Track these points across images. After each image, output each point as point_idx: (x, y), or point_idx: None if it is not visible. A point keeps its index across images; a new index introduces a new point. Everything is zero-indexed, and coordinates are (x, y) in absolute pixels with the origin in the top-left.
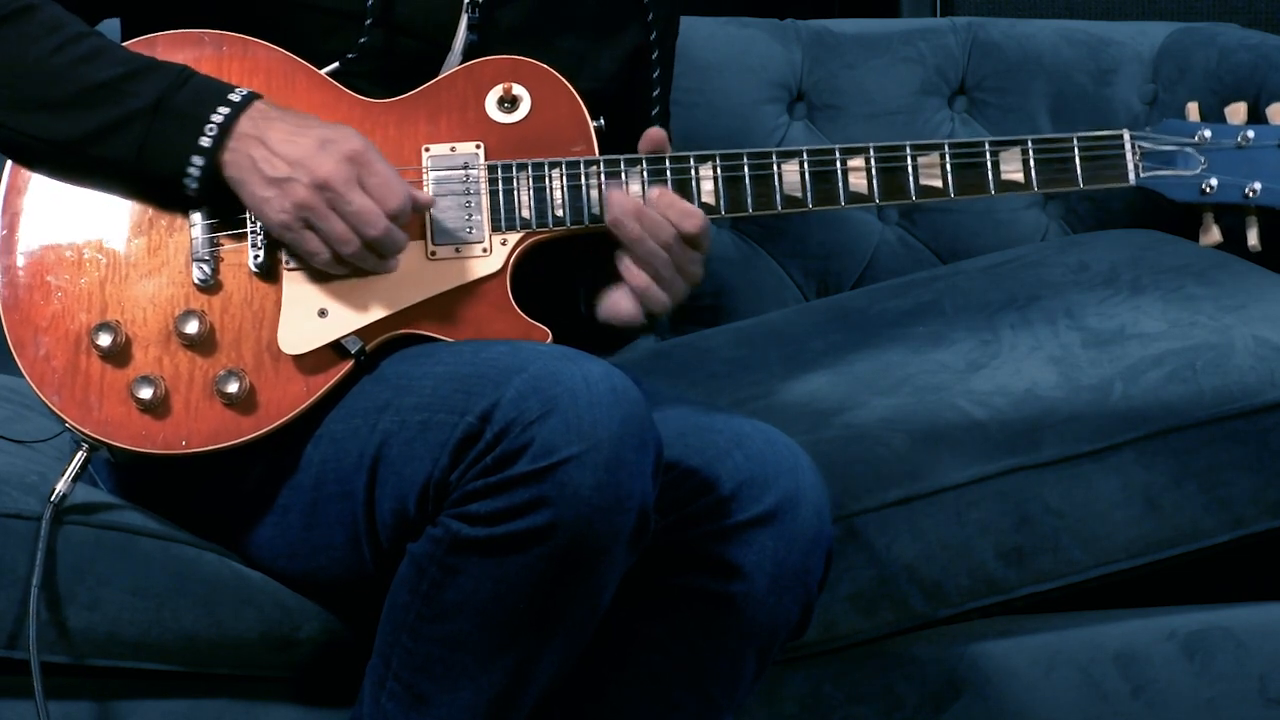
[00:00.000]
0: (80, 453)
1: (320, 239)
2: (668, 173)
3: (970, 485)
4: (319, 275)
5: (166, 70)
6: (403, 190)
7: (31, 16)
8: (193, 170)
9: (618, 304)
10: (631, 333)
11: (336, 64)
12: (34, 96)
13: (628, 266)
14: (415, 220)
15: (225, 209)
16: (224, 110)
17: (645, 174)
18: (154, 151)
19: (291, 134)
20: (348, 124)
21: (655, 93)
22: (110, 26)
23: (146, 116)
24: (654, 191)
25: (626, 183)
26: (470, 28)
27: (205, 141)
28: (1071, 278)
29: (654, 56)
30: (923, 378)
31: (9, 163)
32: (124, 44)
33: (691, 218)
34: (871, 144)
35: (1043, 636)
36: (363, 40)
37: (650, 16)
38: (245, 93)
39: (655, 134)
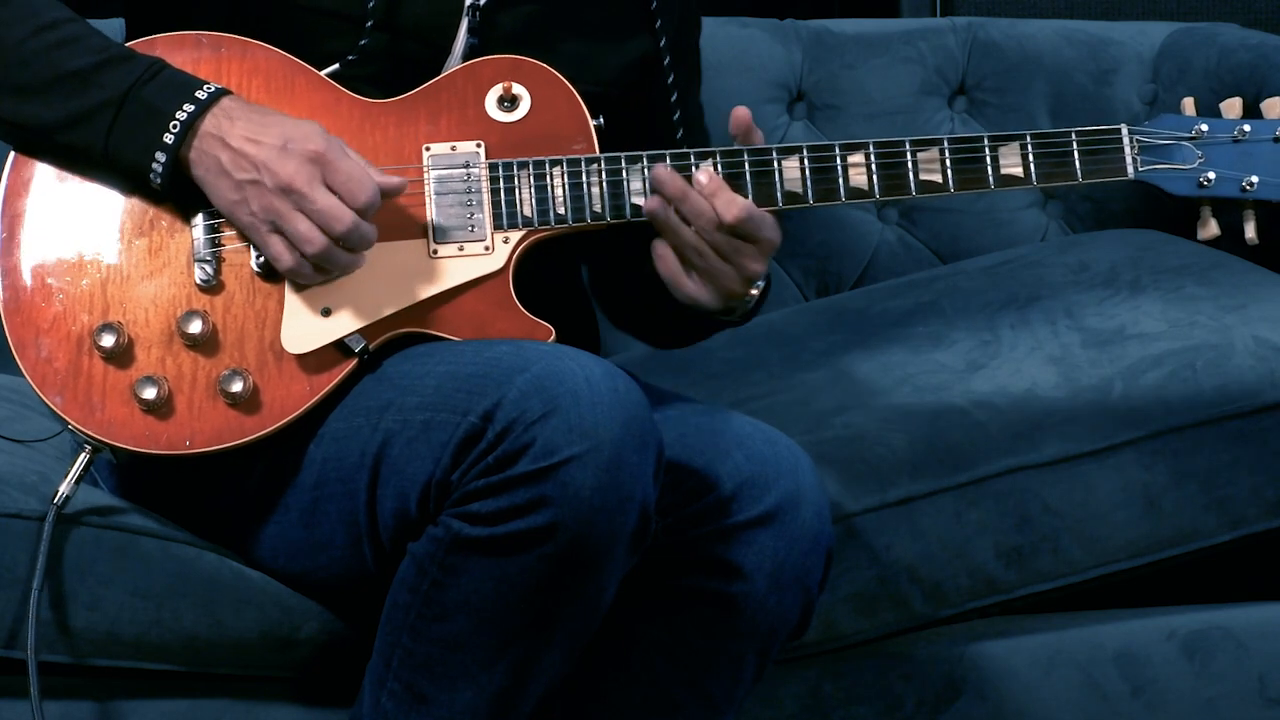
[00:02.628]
0: (83, 455)
1: (285, 242)
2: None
3: (970, 485)
4: None
5: (138, 62)
6: (369, 184)
7: (10, 1)
8: (157, 166)
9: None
10: (705, 324)
11: (336, 65)
12: (7, 81)
13: (660, 254)
14: (417, 219)
15: (194, 203)
16: (189, 107)
17: (646, 171)
18: (119, 143)
19: (254, 134)
20: (348, 124)
21: (673, 98)
22: (113, 30)
23: (113, 108)
24: (702, 176)
25: (629, 179)
26: (470, 31)
27: (169, 138)
28: (1071, 278)
29: (665, 63)
30: (923, 378)
31: (9, 165)
32: (126, 44)
33: (733, 206)
34: (871, 140)
35: (1043, 636)
36: (363, 43)
37: (659, 23)
38: (213, 89)
39: (742, 114)
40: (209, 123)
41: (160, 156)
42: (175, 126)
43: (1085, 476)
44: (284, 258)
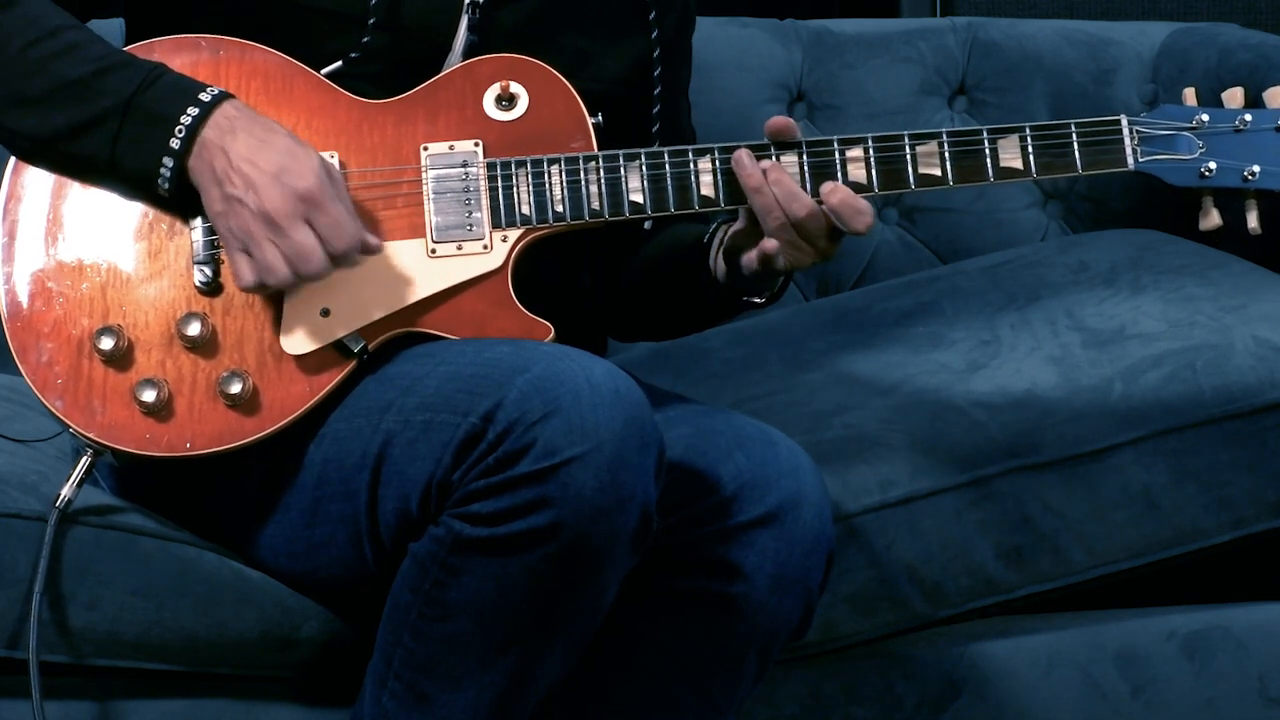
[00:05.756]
0: (85, 458)
1: (250, 263)
2: (666, 165)
3: (970, 485)
4: None
5: (138, 68)
6: (352, 234)
7: (10, 10)
8: (165, 171)
9: (750, 259)
10: (735, 304)
11: (339, 63)
12: (9, 91)
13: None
14: (416, 218)
15: (193, 207)
16: (193, 110)
17: (644, 168)
18: (126, 151)
19: (254, 152)
20: (346, 125)
21: (656, 91)
22: (112, 30)
23: (117, 116)
24: (768, 164)
25: (627, 176)
26: (470, 29)
27: (175, 144)
28: (1071, 278)
29: (655, 55)
30: (923, 378)
31: (9, 169)
32: (125, 48)
33: (798, 200)
34: (870, 134)
35: (1043, 636)
36: (365, 40)
37: (652, 15)
38: (215, 92)
39: (779, 121)
40: (210, 131)
41: (168, 162)
42: (180, 131)
43: (1085, 476)
44: (244, 277)
